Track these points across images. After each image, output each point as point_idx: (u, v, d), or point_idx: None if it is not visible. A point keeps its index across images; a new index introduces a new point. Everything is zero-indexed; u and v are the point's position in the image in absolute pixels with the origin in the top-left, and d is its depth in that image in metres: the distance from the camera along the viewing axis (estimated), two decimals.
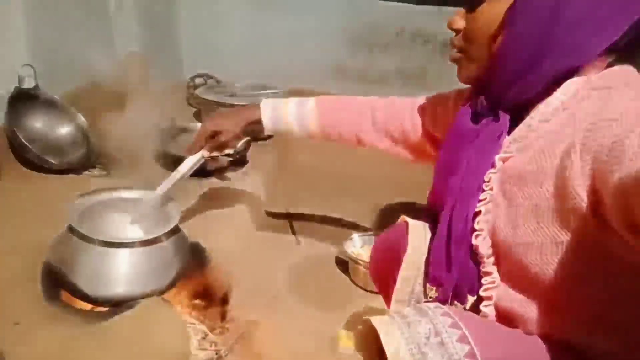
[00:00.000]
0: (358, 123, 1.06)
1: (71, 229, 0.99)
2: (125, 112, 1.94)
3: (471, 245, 0.75)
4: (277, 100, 1.11)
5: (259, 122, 1.10)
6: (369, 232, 1.60)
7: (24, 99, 1.56)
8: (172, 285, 1.02)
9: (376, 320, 0.71)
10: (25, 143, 1.49)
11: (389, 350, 0.66)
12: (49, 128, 1.64)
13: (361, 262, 1.47)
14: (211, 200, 1.56)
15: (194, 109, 2.34)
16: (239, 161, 1.67)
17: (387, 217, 1.78)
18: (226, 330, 1.26)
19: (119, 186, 1.20)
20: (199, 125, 1.87)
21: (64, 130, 1.67)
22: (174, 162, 1.62)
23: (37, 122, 1.61)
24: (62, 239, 1.02)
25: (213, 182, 1.66)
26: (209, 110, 1.93)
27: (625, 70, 0.67)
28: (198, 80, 2.41)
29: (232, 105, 1.81)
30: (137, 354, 0.89)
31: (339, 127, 1.08)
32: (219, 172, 1.68)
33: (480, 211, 0.74)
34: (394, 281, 0.85)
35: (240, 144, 1.61)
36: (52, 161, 1.54)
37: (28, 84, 1.58)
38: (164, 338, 0.94)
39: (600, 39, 0.65)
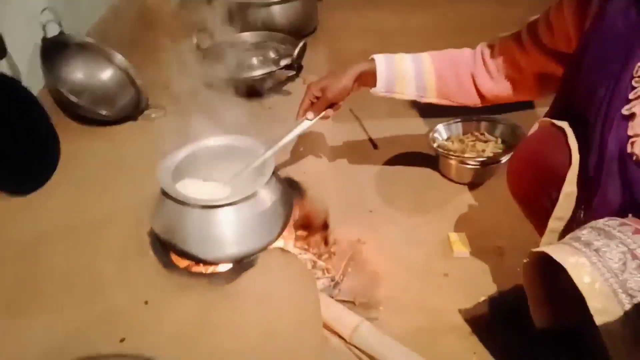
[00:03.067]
0: (468, 73, 1.01)
1: (165, 193, 0.92)
2: (160, 35, 1.79)
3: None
4: (388, 55, 1.04)
5: (371, 74, 1.01)
6: (455, 120, 1.46)
7: (54, 51, 1.43)
8: (282, 231, 0.97)
9: (554, 251, 0.64)
10: (73, 99, 1.39)
11: (582, 283, 0.60)
12: (90, 76, 1.52)
13: (452, 156, 1.37)
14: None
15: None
16: (296, 68, 1.51)
17: None
18: (333, 254, 1.24)
19: (192, 132, 1.10)
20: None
21: (106, 74, 1.55)
22: (229, 84, 1.51)
23: (78, 73, 1.49)
24: (159, 204, 0.96)
25: (275, 99, 1.53)
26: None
27: None
28: None
29: None
30: (273, 307, 0.87)
31: (456, 80, 1.02)
32: (277, 87, 1.54)
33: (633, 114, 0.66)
34: (548, 198, 0.77)
35: (297, 49, 1.44)
36: (104, 112, 1.44)
37: (52, 31, 1.43)
38: (293, 285, 0.92)
39: None
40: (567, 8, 0.82)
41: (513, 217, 1.29)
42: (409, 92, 1.03)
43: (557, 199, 0.75)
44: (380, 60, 1.02)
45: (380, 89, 1.03)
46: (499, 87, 0.98)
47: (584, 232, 0.67)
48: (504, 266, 1.18)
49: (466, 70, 1.00)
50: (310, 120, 1.01)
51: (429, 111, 1.61)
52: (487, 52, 0.98)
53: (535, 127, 0.83)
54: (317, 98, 1.01)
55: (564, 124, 0.76)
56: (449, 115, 1.48)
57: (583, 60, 0.76)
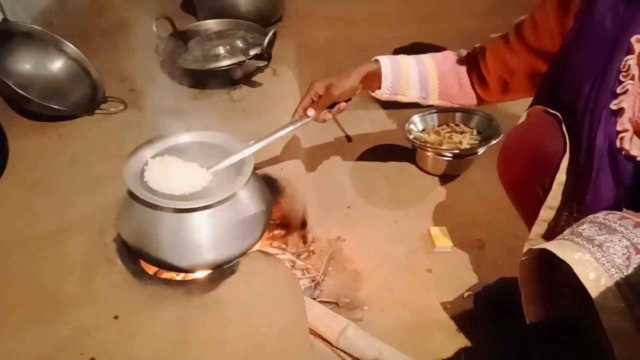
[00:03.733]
0: (466, 75, 1.01)
1: (133, 196, 0.84)
2: (115, 23, 1.67)
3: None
4: (392, 56, 1.02)
5: (376, 76, 0.99)
6: (430, 111, 1.43)
7: None
8: (262, 234, 0.91)
9: (557, 248, 0.62)
10: (21, 92, 1.26)
11: (588, 280, 0.58)
12: (39, 67, 1.39)
13: (429, 148, 1.34)
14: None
15: None
16: (265, 59, 1.43)
17: None
18: (312, 253, 1.19)
19: (156, 128, 1.01)
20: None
21: (57, 65, 1.42)
22: (194, 75, 1.41)
23: (25, 64, 1.36)
24: (126, 208, 0.88)
25: (244, 91, 1.45)
26: None
27: None
28: None
29: None
30: (258, 316, 0.81)
31: (458, 82, 1.01)
32: (247, 77, 1.46)
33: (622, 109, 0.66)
34: (540, 186, 0.76)
35: (267, 38, 1.37)
36: (56, 106, 1.31)
37: None
38: (278, 291, 0.86)
39: None
40: (550, 6, 0.82)
41: (491, 208, 1.29)
42: (412, 96, 1.01)
43: (549, 188, 0.74)
44: (385, 63, 0.99)
45: (385, 92, 1.01)
46: (493, 88, 0.98)
47: (584, 227, 0.65)
48: (486, 259, 1.17)
49: (464, 71, 1.00)
50: (311, 117, 0.95)
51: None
52: (479, 53, 0.98)
53: (524, 116, 0.81)
54: (320, 97, 0.97)
55: (553, 111, 0.75)
56: (420, 106, 1.45)
57: (569, 56, 0.76)
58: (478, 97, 1.01)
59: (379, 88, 1.00)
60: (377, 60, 1.00)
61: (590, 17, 0.74)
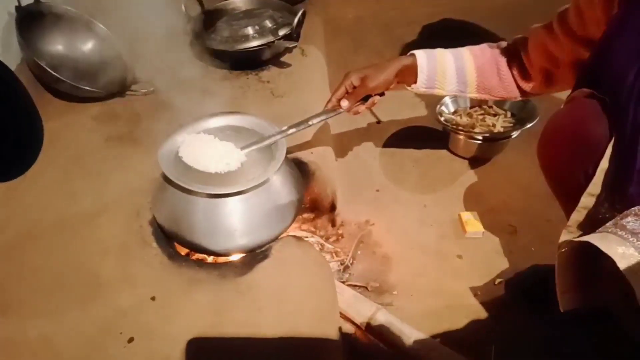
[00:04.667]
0: (507, 67, 0.97)
1: (168, 180, 0.85)
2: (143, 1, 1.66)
3: None
4: (428, 50, 1.00)
5: (412, 70, 0.97)
6: None
7: (30, 20, 1.30)
8: (294, 219, 0.91)
9: (600, 242, 0.60)
10: (53, 73, 1.27)
11: (631, 273, 0.57)
12: (71, 48, 1.40)
13: (461, 131, 1.31)
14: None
15: None
16: (294, 39, 1.41)
17: None
18: (341, 237, 1.19)
19: (187, 110, 1.01)
20: None
21: (88, 46, 1.42)
22: (222, 56, 1.40)
23: (57, 44, 1.37)
24: (161, 192, 0.89)
25: (273, 71, 1.43)
26: None
27: None
28: None
29: None
30: (291, 301, 0.82)
31: (497, 75, 0.98)
32: (275, 58, 1.45)
33: None
34: (583, 172, 0.73)
35: (297, 18, 1.34)
36: (88, 87, 1.33)
37: None
38: (309, 276, 0.87)
39: None
40: None
41: (523, 193, 1.26)
42: (449, 89, 0.99)
43: (592, 174, 0.72)
44: (422, 56, 0.97)
45: (421, 85, 0.98)
46: (536, 80, 0.94)
47: (629, 220, 0.64)
48: (518, 245, 1.15)
49: (504, 64, 0.96)
50: (344, 108, 0.94)
51: None
52: (521, 44, 0.95)
53: (567, 100, 0.79)
54: (354, 88, 0.96)
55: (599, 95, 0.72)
56: None
57: (613, 41, 0.72)
58: (520, 90, 0.97)
59: (415, 82, 0.98)
60: (413, 55, 0.98)
61: (634, 4, 0.70)
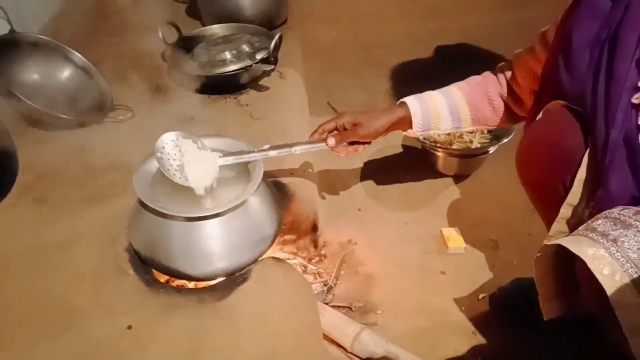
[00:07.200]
0: (499, 96, 0.99)
1: (144, 205, 0.84)
2: (120, 30, 1.66)
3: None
4: (418, 95, 1.00)
5: (405, 119, 0.98)
6: None
7: (5, 51, 1.30)
8: (274, 240, 0.90)
9: (571, 244, 0.61)
10: (29, 102, 1.26)
11: (602, 275, 0.57)
12: (47, 77, 1.39)
13: (439, 148, 1.33)
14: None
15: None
16: (272, 62, 1.42)
17: None
18: (323, 257, 1.18)
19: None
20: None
21: (64, 74, 1.41)
22: (201, 81, 1.40)
23: (33, 74, 1.36)
24: (137, 217, 0.88)
25: (251, 95, 1.44)
26: None
27: None
28: None
29: None
30: (272, 323, 0.80)
31: (490, 106, 0.99)
32: (254, 81, 1.46)
33: None
34: (561, 183, 0.75)
35: (273, 42, 1.36)
36: (64, 115, 1.31)
37: (1, 29, 1.30)
38: (291, 298, 0.85)
39: None
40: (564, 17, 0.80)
41: (503, 207, 1.27)
42: (444, 128, 1.00)
43: (571, 185, 0.73)
44: (414, 104, 0.98)
45: (417, 130, 0.99)
46: (527, 103, 0.95)
47: (599, 222, 0.64)
48: (500, 259, 1.15)
49: (495, 93, 0.97)
50: (330, 146, 0.94)
51: None
52: (507, 71, 0.96)
53: (540, 114, 0.80)
54: (344, 129, 0.96)
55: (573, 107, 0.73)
56: None
57: (568, 49, 0.74)
58: (515, 115, 0.98)
59: (410, 128, 0.99)
60: (403, 103, 0.98)
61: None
